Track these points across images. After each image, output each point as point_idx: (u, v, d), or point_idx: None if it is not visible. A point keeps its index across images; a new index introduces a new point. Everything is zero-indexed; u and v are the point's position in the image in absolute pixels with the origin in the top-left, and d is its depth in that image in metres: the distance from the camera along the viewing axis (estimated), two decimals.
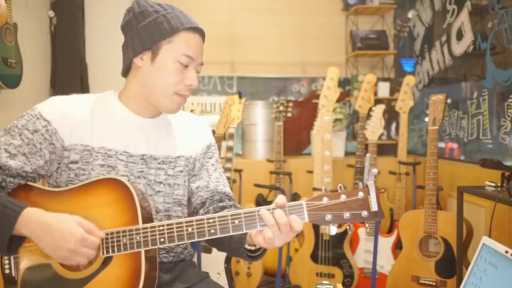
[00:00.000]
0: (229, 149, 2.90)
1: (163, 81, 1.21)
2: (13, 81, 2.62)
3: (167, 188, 1.29)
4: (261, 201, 3.21)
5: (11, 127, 1.18)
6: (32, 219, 1.06)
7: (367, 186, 1.08)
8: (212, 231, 1.09)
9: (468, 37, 2.85)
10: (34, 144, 1.16)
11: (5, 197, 1.09)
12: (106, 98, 1.29)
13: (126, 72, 1.29)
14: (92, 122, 1.22)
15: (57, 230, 1.05)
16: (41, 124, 1.17)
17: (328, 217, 1.08)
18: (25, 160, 1.14)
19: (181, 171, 1.32)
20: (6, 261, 1.14)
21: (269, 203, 3.13)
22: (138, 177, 1.25)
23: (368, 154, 1.10)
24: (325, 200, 1.09)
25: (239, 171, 3.25)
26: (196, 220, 1.10)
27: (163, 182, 1.28)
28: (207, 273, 1.42)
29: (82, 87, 3.65)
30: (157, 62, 1.21)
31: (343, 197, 1.08)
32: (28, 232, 1.06)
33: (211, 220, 1.09)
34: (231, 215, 1.09)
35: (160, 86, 1.22)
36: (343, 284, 2.75)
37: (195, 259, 2.08)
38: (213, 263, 2.54)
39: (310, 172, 3.26)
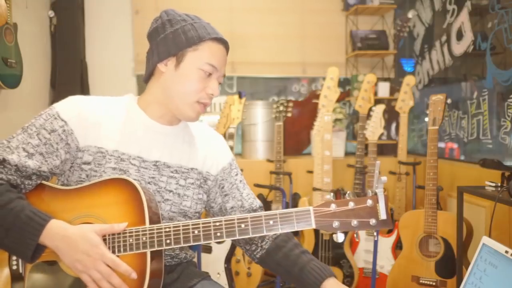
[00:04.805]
0: (229, 148, 2.89)
1: (185, 88, 1.23)
2: (13, 81, 2.62)
3: (176, 197, 1.29)
4: (261, 201, 3.21)
5: (29, 125, 1.18)
6: (56, 232, 1.07)
7: (376, 194, 1.08)
8: (218, 234, 1.10)
9: (468, 37, 2.85)
10: (51, 144, 1.16)
11: (29, 207, 1.09)
12: (125, 101, 1.29)
13: (148, 77, 1.30)
14: (108, 125, 1.23)
15: (81, 246, 1.06)
16: (59, 124, 1.18)
17: (336, 224, 1.09)
18: (42, 160, 1.15)
19: (192, 184, 1.32)
20: (14, 258, 1.15)
21: (269, 203, 3.13)
22: (149, 183, 1.25)
23: (377, 162, 1.10)
24: (333, 206, 1.09)
25: None
26: (203, 223, 1.10)
27: (173, 191, 1.28)
28: (207, 273, 1.43)
29: (82, 87, 3.65)
30: (181, 68, 1.23)
31: (351, 205, 1.09)
32: (52, 244, 1.08)
33: (217, 223, 1.10)
34: (238, 219, 1.10)
35: (182, 92, 1.23)
36: (343, 284, 2.74)
37: (195, 259, 2.08)
38: (213, 263, 2.54)
39: (310, 172, 3.26)
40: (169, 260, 1.32)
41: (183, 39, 1.22)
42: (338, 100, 3.29)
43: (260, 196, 3.25)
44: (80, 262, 1.06)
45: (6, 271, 1.14)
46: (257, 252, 1.34)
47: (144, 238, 1.10)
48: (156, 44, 1.25)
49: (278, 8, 4.00)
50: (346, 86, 4.10)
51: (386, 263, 2.76)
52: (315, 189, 3.01)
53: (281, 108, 3.18)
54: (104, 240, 1.10)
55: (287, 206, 2.76)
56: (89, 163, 1.20)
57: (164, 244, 1.10)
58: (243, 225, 1.10)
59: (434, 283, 2.35)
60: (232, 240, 1.34)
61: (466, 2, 2.87)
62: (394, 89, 3.70)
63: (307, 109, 3.81)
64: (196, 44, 1.22)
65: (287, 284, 2.87)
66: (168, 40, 1.23)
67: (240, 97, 3.13)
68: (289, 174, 3.03)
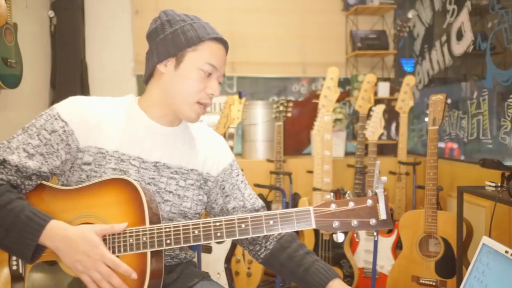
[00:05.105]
0: (230, 149, 2.89)
1: (185, 89, 1.23)
2: (13, 81, 2.62)
3: (176, 198, 1.28)
4: None
5: (29, 126, 1.18)
6: (56, 233, 1.07)
7: (376, 194, 1.08)
8: (219, 234, 1.10)
9: (468, 37, 2.85)
10: (51, 145, 1.16)
11: (29, 208, 1.09)
12: (125, 102, 1.29)
13: (148, 79, 1.30)
14: (109, 125, 1.23)
15: (81, 247, 1.06)
16: (59, 124, 1.18)
17: (336, 224, 1.09)
18: (42, 161, 1.15)
19: (192, 185, 1.32)
20: (14, 258, 1.15)
21: (269, 203, 3.13)
22: (149, 183, 1.25)
23: (378, 162, 1.10)
24: (333, 206, 1.10)
25: None
26: (203, 223, 1.11)
27: (173, 192, 1.28)
28: (207, 273, 1.43)
29: (82, 87, 3.65)
30: (181, 69, 1.23)
31: (351, 205, 1.09)
32: (52, 245, 1.08)
33: (217, 224, 1.10)
34: (238, 219, 1.11)
35: (182, 93, 1.23)
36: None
37: (195, 259, 2.08)
38: (213, 263, 2.54)
39: (310, 172, 3.26)
40: (169, 260, 1.32)
41: (182, 39, 1.22)
42: (338, 100, 3.29)
43: (260, 196, 3.24)
44: (80, 263, 1.06)
45: (6, 272, 1.14)
46: (261, 252, 1.34)
47: (144, 238, 1.10)
48: (156, 45, 1.25)
49: (278, 8, 4.00)
50: (346, 86, 4.10)
51: (386, 263, 2.76)
52: (315, 189, 3.01)
53: (281, 108, 3.18)
54: (104, 240, 1.10)
55: (287, 206, 2.76)
56: (89, 164, 1.20)
57: (164, 244, 1.10)
58: (243, 225, 1.10)
59: (434, 283, 2.35)
60: (235, 240, 1.34)
61: (466, 2, 2.87)
62: (394, 89, 3.70)
63: (307, 109, 3.81)
64: (196, 44, 1.22)
65: (287, 284, 2.87)
66: (168, 40, 1.23)
67: (240, 97, 3.13)
68: (289, 174, 3.03)
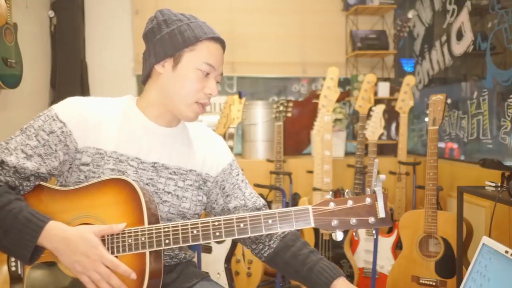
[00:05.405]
0: (229, 149, 2.89)
1: (184, 89, 1.22)
2: (13, 81, 2.62)
3: (175, 199, 1.28)
4: None
5: (27, 127, 1.18)
6: (55, 234, 1.07)
7: (374, 192, 1.08)
8: (217, 233, 1.10)
9: (468, 37, 2.85)
10: (49, 146, 1.16)
11: (27, 209, 1.09)
12: (124, 103, 1.29)
13: (145, 79, 1.31)
14: (107, 126, 1.22)
15: (80, 247, 1.06)
16: (57, 125, 1.17)
17: (334, 222, 1.08)
18: (40, 162, 1.15)
19: (191, 185, 1.32)
20: (13, 259, 1.14)
21: (269, 203, 3.13)
22: (147, 184, 1.24)
23: (376, 160, 1.10)
24: (331, 205, 1.09)
25: None
26: (202, 223, 1.10)
27: (172, 193, 1.28)
28: (207, 273, 1.43)
29: (82, 87, 3.65)
30: (179, 69, 1.22)
31: (350, 203, 1.09)
32: (50, 246, 1.08)
33: (216, 223, 1.10)
34: (237, 218, 1.10)
35: (180, 93, 1.22)
36: None
37: (195, 259, 2.08)
38: (213, 263, 2.54)
39: (310, 172, 3.26)
40: (168, 260, 1.32)
41: (179, 39, 1.21)
42: (338, 100, 3.29)
43: (260, 196, 3.25)
44: (79, 263, 1.06)
45: (5, 273, 1.14)
46: (265, 251, 1.34)
47: (143, 239, 1.10)
48: (153, 45, 1.25)
49: (278, 8, 4.00)
50: (346, 86, 4.09)
51: (386, 263, 2.75)
52: (315, 189, 3.01)
53: (281, 108, 3.18)
54: (103, 241, 1.10)
55: (287, 206, 2.76)
56: (87, 164, 1.20)
57: (163, 244, 1.10)
58: (242, 225, 1.09)
59: (434, 283, 2.35)
60: (238, 240, 1.33)
61: (466, 2, 2.87)
62: (394, 89, 3.69)
63: (307, 109, 3.81)
64: (193, 44, 1.22)
65: (287, 284, 2.87)
66: (165, 41, 1.23)
67: (240, 97, 3.13)
68: (289, 174, 3.03)
